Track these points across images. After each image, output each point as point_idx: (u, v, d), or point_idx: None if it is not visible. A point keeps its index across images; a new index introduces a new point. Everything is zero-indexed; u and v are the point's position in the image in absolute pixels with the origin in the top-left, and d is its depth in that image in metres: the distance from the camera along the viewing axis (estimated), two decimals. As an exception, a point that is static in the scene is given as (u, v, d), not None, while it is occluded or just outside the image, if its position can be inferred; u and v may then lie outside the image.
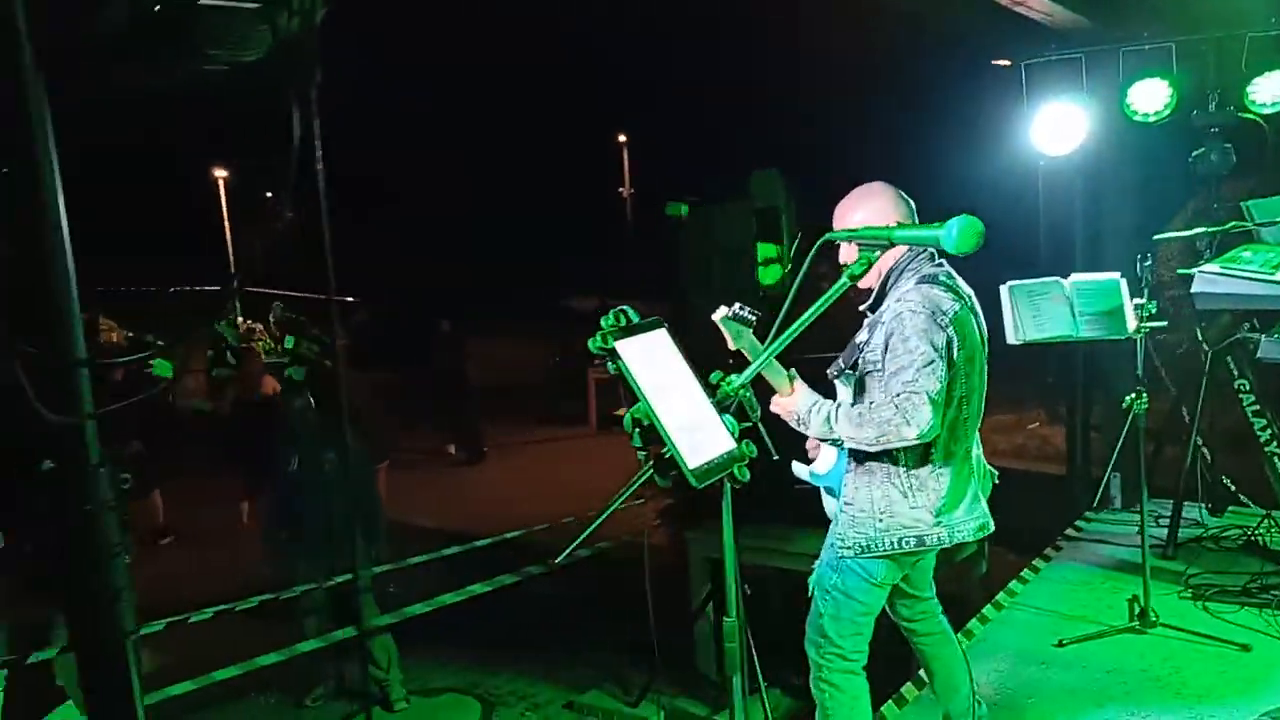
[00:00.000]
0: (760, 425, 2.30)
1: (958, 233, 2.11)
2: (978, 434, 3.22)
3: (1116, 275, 4.47)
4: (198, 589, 6.87)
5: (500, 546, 6.64)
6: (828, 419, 2.95)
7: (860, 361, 3.06)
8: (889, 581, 3.18)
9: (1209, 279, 4.44)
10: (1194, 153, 5.36)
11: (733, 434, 2.19)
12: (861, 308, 3.21)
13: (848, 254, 3.00)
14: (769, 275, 5.65)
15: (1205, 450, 5.70)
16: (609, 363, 2.04)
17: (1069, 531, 5.96)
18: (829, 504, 3.31)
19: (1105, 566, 5.36)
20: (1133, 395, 4.45)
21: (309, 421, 5.87)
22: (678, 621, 5.82)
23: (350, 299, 18.09)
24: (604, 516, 2.38)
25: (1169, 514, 5.46)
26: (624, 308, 2.14)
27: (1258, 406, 4.62)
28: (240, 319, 16.18)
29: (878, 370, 2.97)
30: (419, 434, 12.17)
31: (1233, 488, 5.81)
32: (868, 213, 2.98)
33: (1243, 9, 5.33)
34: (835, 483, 3.24)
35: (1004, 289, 4.61)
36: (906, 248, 3.04)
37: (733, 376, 2.23)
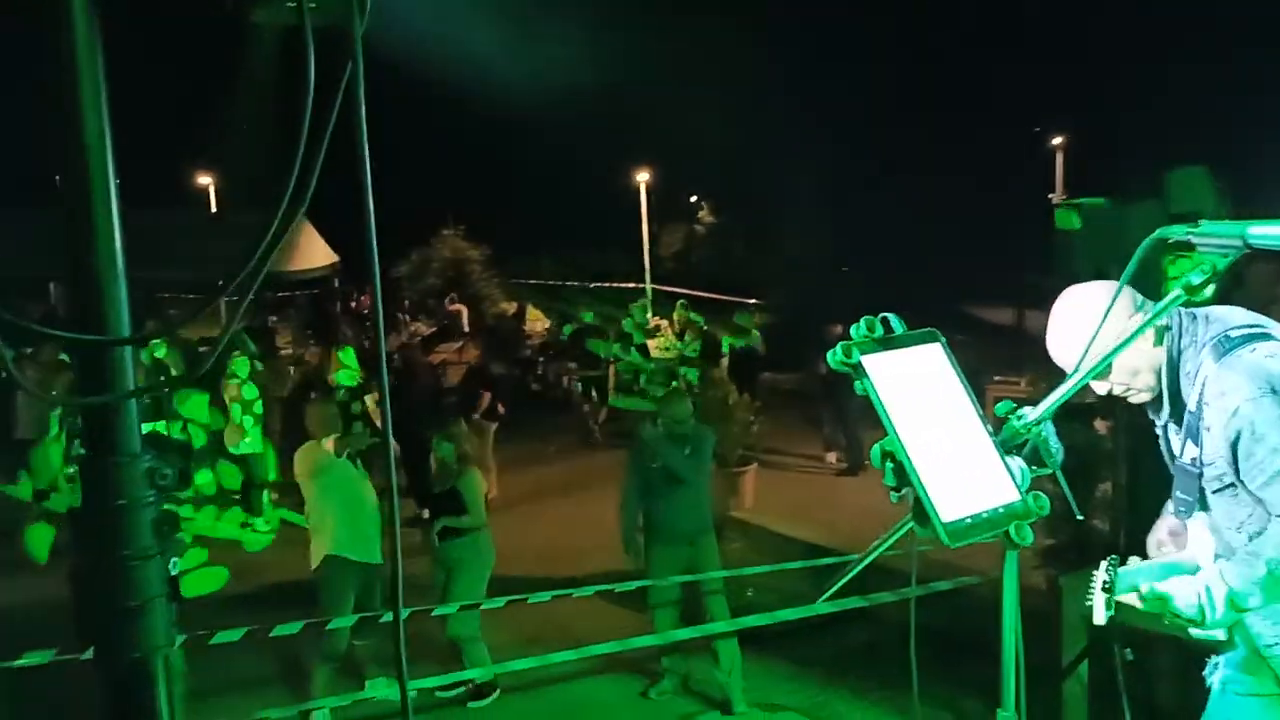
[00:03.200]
0: (1060, 474, 1.81)
1: None
2: None
3: None
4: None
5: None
6: (1231, 599, 2.29)
7: (1204, 484, 2.41)
8: None
9: None
10: None
11: (1018, 484, 1.74)
12: (1160, 418, 2.55)
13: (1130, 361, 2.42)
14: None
15: None
16: (855, 383, 1.69)
17: None
18: None
19: None
20: None
21: (689, 421, 5.98)
22: (1044, 677, 5.20)
23: (754, 300, 18.40)
24: (866, 561, 2.04)
25: None
26: (886, 315, 1.76)
27: None
28: (649, 315, 17.05)
29: (1231, 488, 2.35)
30: (803, 440, 12.00)
31: None
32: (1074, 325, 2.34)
33: None
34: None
35: None
36: (1156, 331, 2.37)
37: (1025, 409, 1.77)
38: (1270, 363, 2.28)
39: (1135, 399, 2.55)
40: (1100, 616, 2.33)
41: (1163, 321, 2.41)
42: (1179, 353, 2.43)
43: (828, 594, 2.21)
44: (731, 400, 9.25)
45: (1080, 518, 1.87)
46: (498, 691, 5.83)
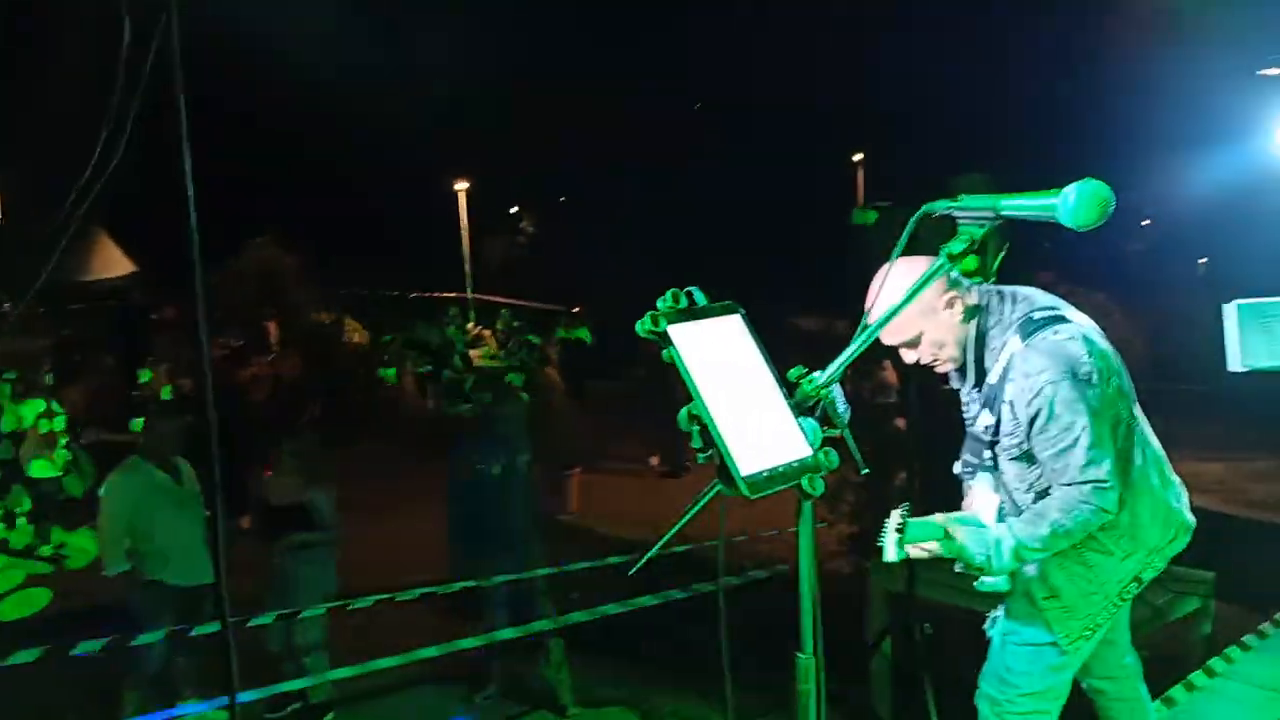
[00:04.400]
0: (847, 432, 1.99)
1: (1077, 200, 1.73)
2: (1153, 435, 2.78)
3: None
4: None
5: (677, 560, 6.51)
6: (1016, 550, 2.56)
7: (998, 450, 2.69)
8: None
9: None
10: None
11: (811, 441, 1.90)
12: (963, 390, 2.82)
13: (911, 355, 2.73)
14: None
15: None
16: (662, 350, 1.81)
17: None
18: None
19: (1350, 638, 4.59)
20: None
21: (517, 426, 6.06)
22: (853, 657, 5.49)
23: (575, 309, 18.57)
24: (676, 529, 2.17)
25: None
26: (690, 289, 1.90)
27: None
28: (470, 325, 16.99)
29: (1026, 455, 2.63)
30: (627, 444, 12.21)
31: None
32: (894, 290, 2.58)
33: None
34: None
35: (1230, 308, 4.04)
36: (965, 310, 2.66)
37: (815, 375, 1.94)
38: (1071, 345, 2.54)
39: (941, 368, 2.80)
40: (891, 554, 2.54)
41: (974, 300, 2.69)
42: (986, 330, 2.67)
43: (636, 566, 2.30)
44: (557, 406, 9.36)
45: (866, 470, 2.04)
46: (332, 715, 5.71)
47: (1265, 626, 4.84)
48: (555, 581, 6.14)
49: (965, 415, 2.84)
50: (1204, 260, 18.03)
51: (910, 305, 2.03)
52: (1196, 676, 4.34)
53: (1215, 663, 4.47)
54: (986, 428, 2.68)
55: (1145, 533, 2.67)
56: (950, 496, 2.94)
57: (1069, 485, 2.50)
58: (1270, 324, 3.94)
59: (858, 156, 23.55)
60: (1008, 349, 2.60)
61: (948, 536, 2.55)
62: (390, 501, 10.08)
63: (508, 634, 5.62)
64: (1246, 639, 4.70)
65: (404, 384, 14.78)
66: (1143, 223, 20.20)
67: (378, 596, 5.66)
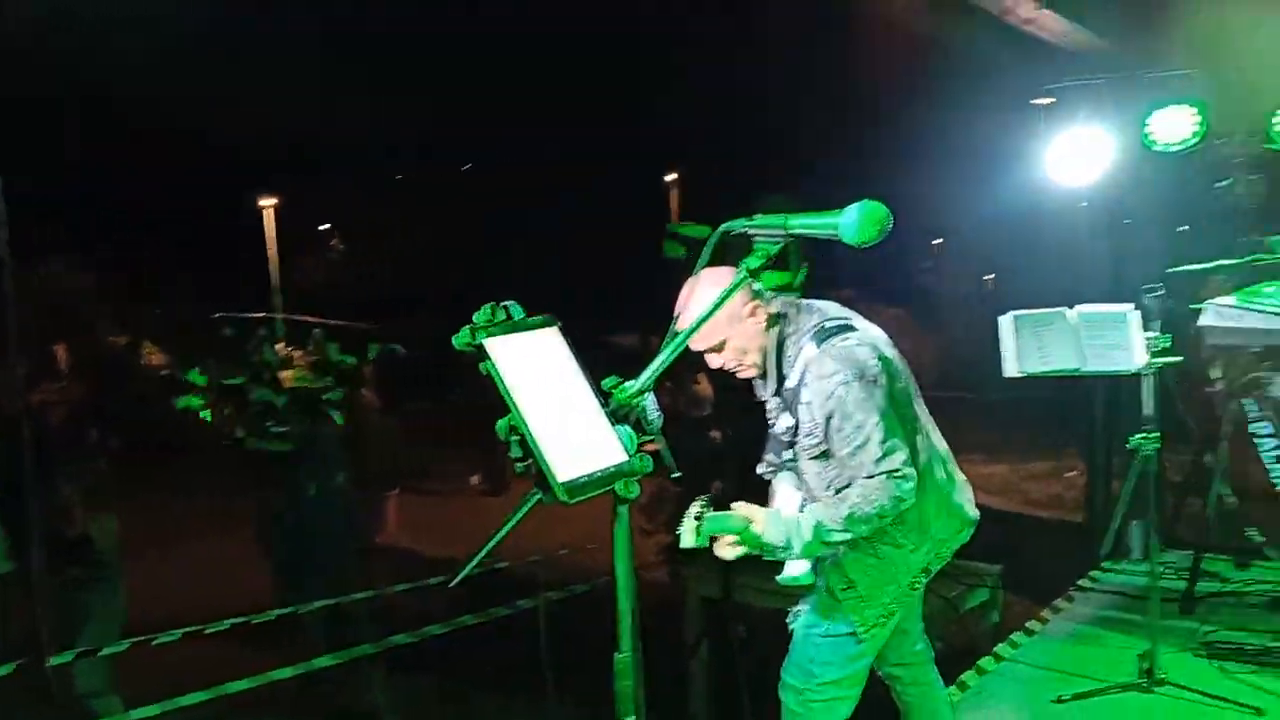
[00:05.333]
0: (661, 438, 2.09)
1: (858, 219, 1.91)
2: (938, 435, 3.00)
3: (1128, 307, 4.21)
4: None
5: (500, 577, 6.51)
6: (816, 530, 2.70)
7: (798, 450, 2.86)
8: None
9: (1222, 313, 4.17)
10: (1218, 184, 5.09)
11: (627, 448, 1.99)
12: (765, 396, 3.01)
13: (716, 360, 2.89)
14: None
15: (1231, 499, 5.36)
16: (479, 364, 1.86)
17: (1082, 583, 5.62)
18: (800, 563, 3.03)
19: (1116, 620, 5.02)
20: (1141, 435, 4.18)
21: (333, 448, 5.92)
22: (672, 662, 5.63)
23: (389, 327, 18.21)
24: (496, 540, 2.20)
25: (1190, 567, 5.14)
26: (507, 303, 1.96)
27: (1278, 452, 4.30)
28: (281, 345, 16.40)
29: (825, 455, 2.79)
30: (448, 463, 12.09)
31: (1261, 540, 5.45)
32: (702, 300, 2.62)
33: (1271, 37, 5.07)
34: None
35: (1006, 319, 4.38)
36: (768, 319, 2.85)
37: (628, 384, 2.03)
38: (859, 350, 2.73)
39: (743, 374, 2.96)
40: (688, 541, 2.64)
41: (776, 310, 2.86)
42: (785, 338, 2.84)
43: (456, 579, 2.33)
44: (374, 425, 9.19)
45: (678, 474, 2.14)
46: None
47: (1045, 613, 5.27)
48: (375, 605, 6.05)
49: (768, 419, 3.00)
50: (990, 277, 19.32)
51: (718, 313, 2.16)
52: (986, 662, 4.68)
53: (1002, 648, 4.83)
54: (787, 429, 2.84)
55: (932, 526, 2.87)
56: (765, 505, 3.10)
57: (867, 478, 2.67)
58: (1041, 332, 4.29)
59: (671, 176, 24.07)
60: (803, 355, 2.78)
61: (748, 528, 2.68)
62: (197, 528, 9.67)
63: (326, 661, 5.49)
64: (1029, 625, 5.10)
65: (211, 407, 14.12)
66: (934, 242, 21.51)
67: (185, 629, 5.42)
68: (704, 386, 7.55)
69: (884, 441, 2.66)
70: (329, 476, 5.85)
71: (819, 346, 2.75)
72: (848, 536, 2.71)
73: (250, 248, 19.85)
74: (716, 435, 7.02)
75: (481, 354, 1.84)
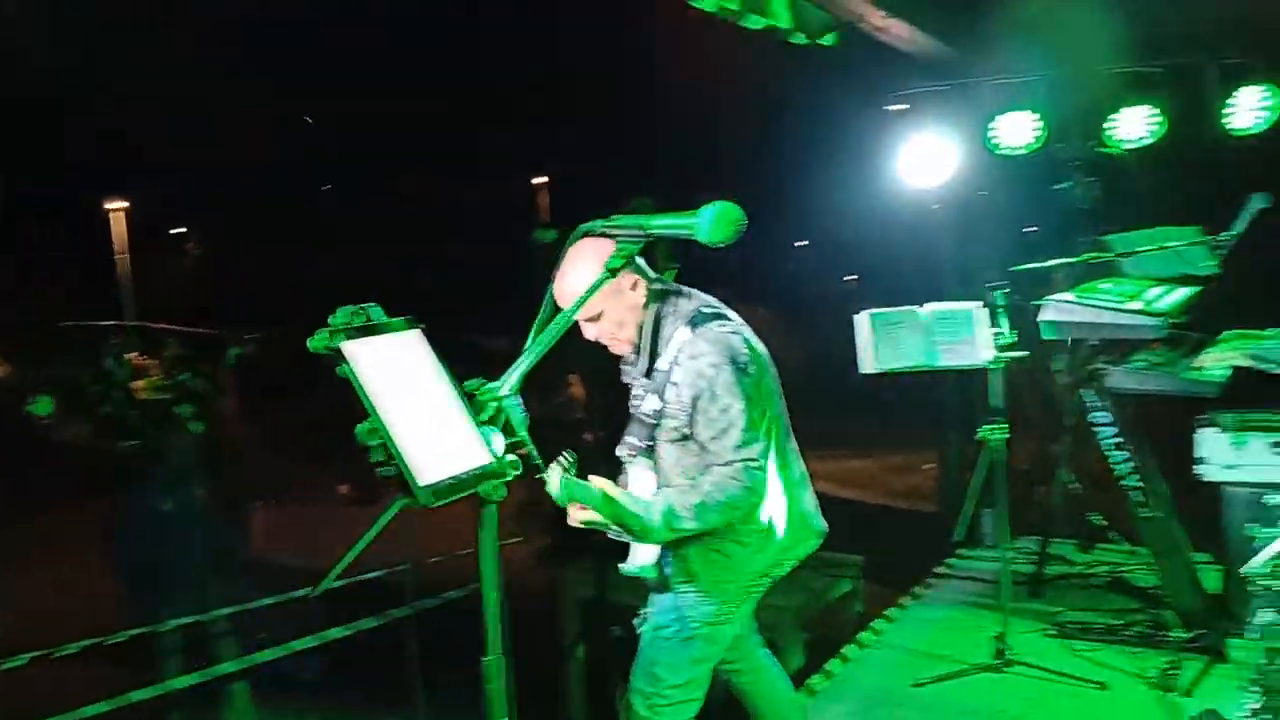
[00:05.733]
0: (528, 439, 2.09)
1: (711, 219, 1.97)
2: (794, 442, 3.07)
3: (976, 305, 4.41)
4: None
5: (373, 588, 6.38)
6: (666, 513, 2.70)
7: (658, 433, 2.87)
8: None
9: (1062, 308, 4.41)
10: (1057, 186, 5.37)
11: (493, 450, 1.98)
12: (632, 377, 3.03)
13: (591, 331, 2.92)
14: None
15: (1075, 485, 5.66)
16: (336, 368, 1.83)
17: (939, 569, 5.85)
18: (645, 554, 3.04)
19: (972, 605, 5.24)
20: (989, 427, 4.38)
21: (190, 459, 5.71)
22: (549, 665, 5.62)
23: (249, 334, 17.62)
24: (360, 547, 2.16)
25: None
26: (366, 306, 1.93)
27: (1117, 439, 4.56)
28: (132, 355, 15.72)
29: (686, 439, 2.82)
30: (314, 473, 11.77)
31: (1103, 524, 5.77)
32: (581, 275, 2.68)
33: (1105, 45, 5.37)
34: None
35: (861, 318, 4.53)
36: (648, 295, 2.89)
37: (493, 385, 2.02)
38: (733, 337, 2.78)
39: (615, 349, 2.98)
40: (554, 487, 2.66)
41: (658, 288, 2.89)
42: (662, 318, 2.86)
43: (318, 589, 2.28)
44: (233, 435, 8.89)
45: (541, 475, 2.14)
46: None
47: (905, 600, 5.46)
48: (239, 621, 5.85)
49: (632, 401, 3.00)
50: (851, 277, 19.84)
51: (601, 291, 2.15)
52: (849, 649, 4.83)
53: (865, 636, 4.99)
54: (654, 411, 2.84)
55: (780, 529, 2.91)
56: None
57: (723, 465, 2.70)
58: (895, 330, 4.46)
59: (540, 179, 24.02)
60: (678, 337, 2.81)
61: (607, 500, 2.69)
62: (44, 547, 9.19)
63: (185, 681, 5.30)
64: (889, 612, 5.28)
65: (59, 418, 13.44)
66: (796, 244, 22.01)
67: (32, 654, 5.15)
68: (576, 389, 7.57)
69: (745, 430, 2.70)
70: (187, 489, 5.64)
71: (694, 330, 2.79)
72: (695, 526, 2.72)
73: (99, 252, 18.97)
74: (589, 438, 7.04)
75: (339, 357, 1.81)
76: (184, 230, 27.03)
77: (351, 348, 1.83)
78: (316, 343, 1.82)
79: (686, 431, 2.80)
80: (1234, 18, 5.29)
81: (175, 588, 5.51)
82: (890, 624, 5.13)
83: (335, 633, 5.70)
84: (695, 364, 2.74)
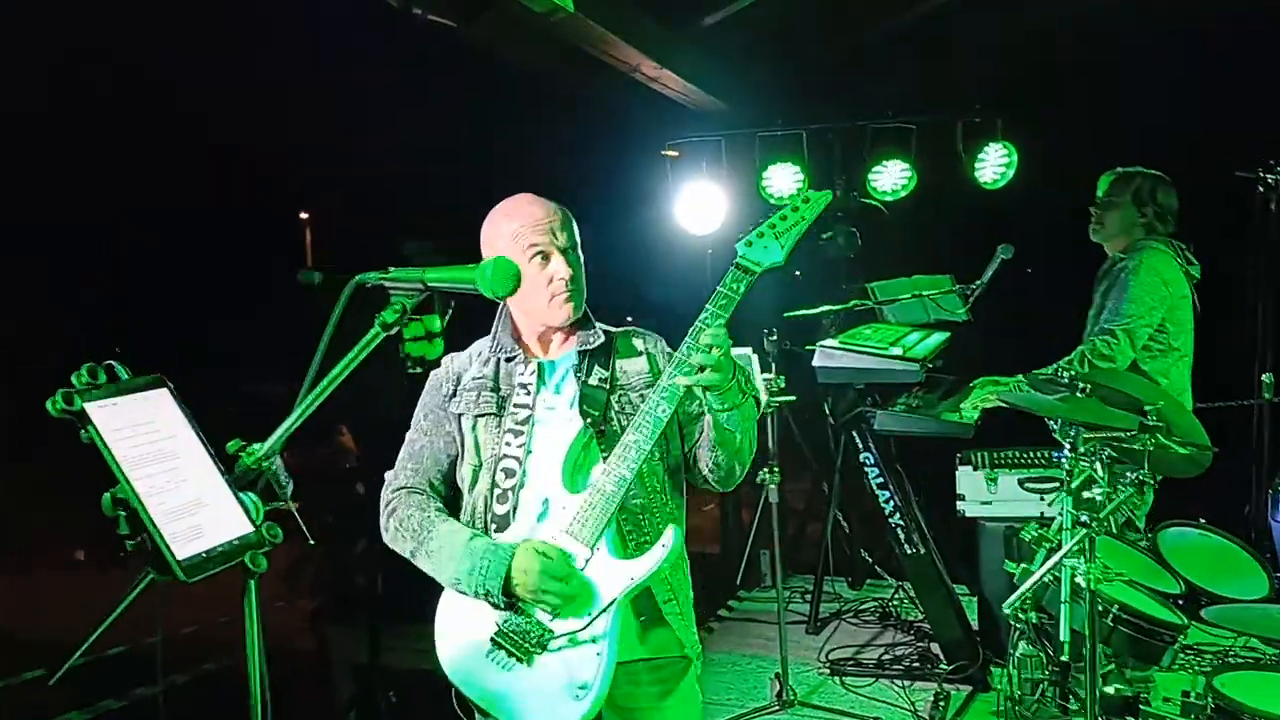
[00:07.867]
0: (292, 505, 1.94)
1: (492, 273, 1.95)
2: None
3: (748, 350, 4.51)
4: None
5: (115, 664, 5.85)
6: None
7: None
8: None
9: (829, 354, 4.59)
10: (822, 235, 5.62)
11: (253, 517, 1.83)
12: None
13: None
14: (419, 348, 5.35)
15: (844, 524, 5.88)
16: (80, 431, 1.64)
17: (721, 612, 5.94)
18: None
19: (753, 646, 5.33)
20: (765, 470, 4.49)
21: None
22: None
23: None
24: (104, 626, 1.94)
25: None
26: (111, 363, 1.74)
27: (881, 479, 4.77)
28: None
29: None
30: (52, 537, 10.78)
31: (870, 560, 6.02)
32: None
33: (865, 101, 5.70)
34: None
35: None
36: None
37: (255, 446, 1.87)
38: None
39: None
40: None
41: None
42: None
43: (58, 675, 2.04)
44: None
45: (313, 543, 1.98)
46: None
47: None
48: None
49: None
50: (629, 321, 20.19)
51: None
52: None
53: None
54: None
55: None
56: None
57: None
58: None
59: (304, 215, 23.19)
60: None
61: None
62: None
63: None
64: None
65: None
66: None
67: None
68: (347, 438, 7.27)
69: None
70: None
71: None
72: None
73: None
74: (361, 488, 6.77)
75: (83, 420, 1.63)
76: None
77: (95, 409, 1.65)
78: (55, 405, 1.62)
79: None
80: (977, 80, 5.74)
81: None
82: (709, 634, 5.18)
83: (74, 717, 5.21)
84: None
